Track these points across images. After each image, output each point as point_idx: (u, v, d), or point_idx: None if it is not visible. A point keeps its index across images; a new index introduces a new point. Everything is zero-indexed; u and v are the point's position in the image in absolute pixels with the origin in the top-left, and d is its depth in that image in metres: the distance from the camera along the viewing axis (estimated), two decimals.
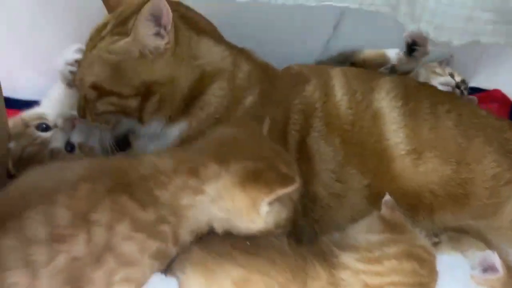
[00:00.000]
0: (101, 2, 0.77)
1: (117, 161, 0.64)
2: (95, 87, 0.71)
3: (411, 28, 0.91)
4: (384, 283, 0.59)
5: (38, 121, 0.84)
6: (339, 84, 0.82)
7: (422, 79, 1.05)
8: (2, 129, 0.79)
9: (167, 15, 0.66)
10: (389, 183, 0.75)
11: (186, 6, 0.80)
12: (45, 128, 0.83)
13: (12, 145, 0.81)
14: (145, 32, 0.67)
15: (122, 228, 0.55)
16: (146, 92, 0.70)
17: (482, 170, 0.75)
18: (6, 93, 0.80)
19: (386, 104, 0.79)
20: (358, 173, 0.76)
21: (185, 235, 0.59)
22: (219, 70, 0.75)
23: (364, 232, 0.65)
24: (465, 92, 1.09)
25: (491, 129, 0.79)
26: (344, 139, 0.77)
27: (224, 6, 0.83)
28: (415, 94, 0.81)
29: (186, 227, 0.59)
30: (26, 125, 0.83)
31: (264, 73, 0.82)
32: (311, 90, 0.81)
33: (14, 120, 0.84)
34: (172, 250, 0.59)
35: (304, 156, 0.77)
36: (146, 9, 0.65)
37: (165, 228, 0.57)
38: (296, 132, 0.79)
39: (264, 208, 0.57)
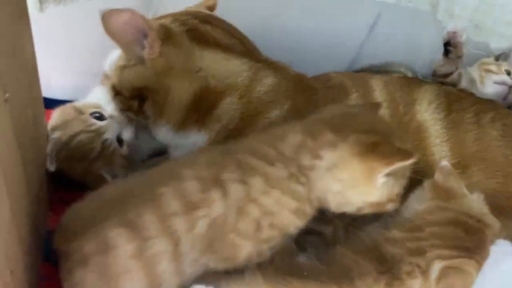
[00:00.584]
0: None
1: None
2: (113, 87, 0.78)
3: (449, 26, 0.90)
4: (424, 246, 0.58)
5: (94, 109, 0.84)
6: (381, 96, 0.80)
7: (468, 80, 1.01)
8: (42, 130, 0.79)
9: (150, 29, 0.70)
10: None
11: (207, 16, 0.81)
12: (100, 117, 0.83)
13: (55, 134, 0.80)
14: (130, 42, 0.72)
15: (256, 182, 0.57)
16: (139, 96, 0.75)
17: None
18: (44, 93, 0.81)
19: (429, 116, 0.78)
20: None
21: (315, 201, 0.60)
22: (229, 85, 0.76)
23: (413, 203, 0.64)
24: None
25: None
26: None
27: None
28: (457, 103, 0.80)
29: (314, 192, 0.59)
30: (80, 112, 0.83)
31: (298, 87, 0.80)
32: (354, 102, 0.80)
33: (63, 108, 0.84)
34: (309, 211, 0.60)
35: None
36: (133, 22, 0.70)
37: (299, 188, 0.58)
38: None
39: (381, 179, 0.58)
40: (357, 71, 1.06)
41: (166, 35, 0.73)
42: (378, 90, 0.82)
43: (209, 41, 0.77)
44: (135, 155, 0.87)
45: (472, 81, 1.02)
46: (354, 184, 0.59)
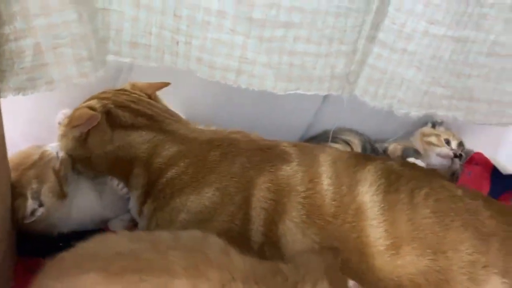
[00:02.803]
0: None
1: None
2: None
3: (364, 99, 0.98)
4: None
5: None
6: (327, 173, 0.85)
7: (413, 151, 1.08)
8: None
9: (77, 120, 0.91)
10: (370, 277, 0.77)
11: (123, 101, 0.96)
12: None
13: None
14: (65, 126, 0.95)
15: None
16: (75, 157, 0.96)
17: (459, 256, 0.77)
18: None
19: (369, 198, 0.82)
20: None
21: None
22: (133, 157, 0.92)
23: None
24: (463, 156, 1.12)
25: (467, 214, 0.82)
26: (323, 232, 0.80)
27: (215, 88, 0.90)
28: (396, 183, 0.84)
29: None
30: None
31: (203, 149, 0.90)
32: (291, 170, 0.85)
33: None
34: None
35: (271, 241, 0.81)
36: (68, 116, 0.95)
37: None
38: (262, 210, 0.83)
39: None
40: (313, 137, 1.12)
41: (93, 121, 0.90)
42: (326, 165, 0.87)
43: (117, 123, 0.93)
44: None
45: (417, 152, 1.08)
46: None
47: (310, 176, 0.85)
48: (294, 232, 0.81)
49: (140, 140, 0.92)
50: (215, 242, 0.67)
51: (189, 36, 0.81)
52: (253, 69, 0.85)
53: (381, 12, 0.88)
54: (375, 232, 0.79)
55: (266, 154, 0.90)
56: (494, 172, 1.19)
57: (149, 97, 1.00)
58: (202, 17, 0.79)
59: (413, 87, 0.98)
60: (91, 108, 0.92)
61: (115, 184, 1.03)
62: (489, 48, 0.94)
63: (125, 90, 1.00)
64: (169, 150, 0.91)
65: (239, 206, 0.83)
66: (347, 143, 1.14)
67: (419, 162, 1.04)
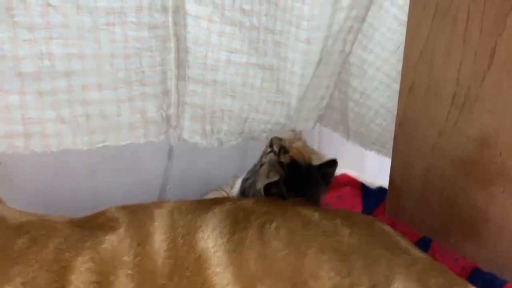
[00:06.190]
0: None
1: None
2: None
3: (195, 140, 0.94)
4: None
5: None
6: (161, 228, 0.74)
7: None
8: None
9: None
10: None
11: None
12: None
13: None
14: None
15: None
16: None
17: (321, 284, 0.69)
18: None
19: (211, 243, 0.72)
20: None
21: None
22: None
23: None
24: None
25: (324, 236, 0.75)
26: None
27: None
28: (244, 221, 0.76)
29: None
30: None
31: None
32: (116, 239, 0.72)
33: None
34: None
35: None
36: None
37: None
38: None
39: None
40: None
41: None
42: (160, 220, 0.75)
43: None
44: None
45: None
46: None
47: (139, 238, 0.73)
48: None
49: None
50: None
51: None
52: (43, 129, 0.76)
53: (182, 49, 0.87)
54: (222, 278, 0.69)
55: (86, 228, 0.76)
56: (364, 190, 1.15)
57: None
58: None
59: (234, 117, 0.96)
60: None
61: None
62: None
63: None
64: None
65: None
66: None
67: None
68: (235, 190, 1.03)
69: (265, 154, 0.99)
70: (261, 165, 0.98)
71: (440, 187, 0.92)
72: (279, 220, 0.76)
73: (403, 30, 0.93)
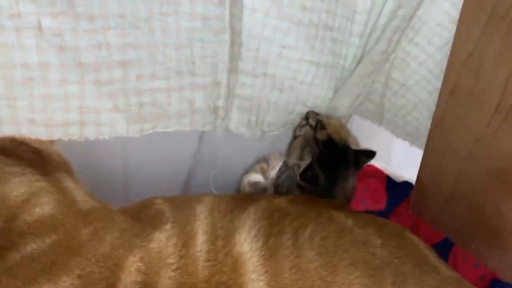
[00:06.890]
0: None
1: None
2: None
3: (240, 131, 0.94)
4: None
5: None
6: (202, 228, 0.73)
7: None
8: None
9: None
10: None
11: None
12: None
13: None
14: None
15: None
16: None
17: None
18: None
19: (247, 247, 0.70)
20: None
21: None
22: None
23: None
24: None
25: (356, 247, 0.74)
26: None
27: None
28: (279, 224, 0.75)
29: None
30: None
31: (78, 219, 0.72)
32: (164, 237, 0.71)
33: None
34: None
35: None
36: None
37: None
38: None
39: None
40: None
41: None
42: (202, 218, 0.75)
43: None
44: None
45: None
46: None
47: (183, 239, 0.72)
48: None
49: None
50: None
51: (11, 99, 0.73)
52: (98, 117, 0.78)
53: (237, 42, 0.87)
54: (256, 286, 0.67)
55: (138, 220, 0.76)
56: (389, 183, 1.16)
57: None
58: (21, 74, 0.72)
59: (279, 109, 0.96)
60: None
61: None
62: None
63: None
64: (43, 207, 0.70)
65: None
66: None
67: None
68: (274, 172, 1.05)
69: (300, 126, 0.98)
70: (295, 137, 0.98)
71: (469, 194, 0.92)
72: (312, 226, 0.76)
73: (452, 27, 0.91)
